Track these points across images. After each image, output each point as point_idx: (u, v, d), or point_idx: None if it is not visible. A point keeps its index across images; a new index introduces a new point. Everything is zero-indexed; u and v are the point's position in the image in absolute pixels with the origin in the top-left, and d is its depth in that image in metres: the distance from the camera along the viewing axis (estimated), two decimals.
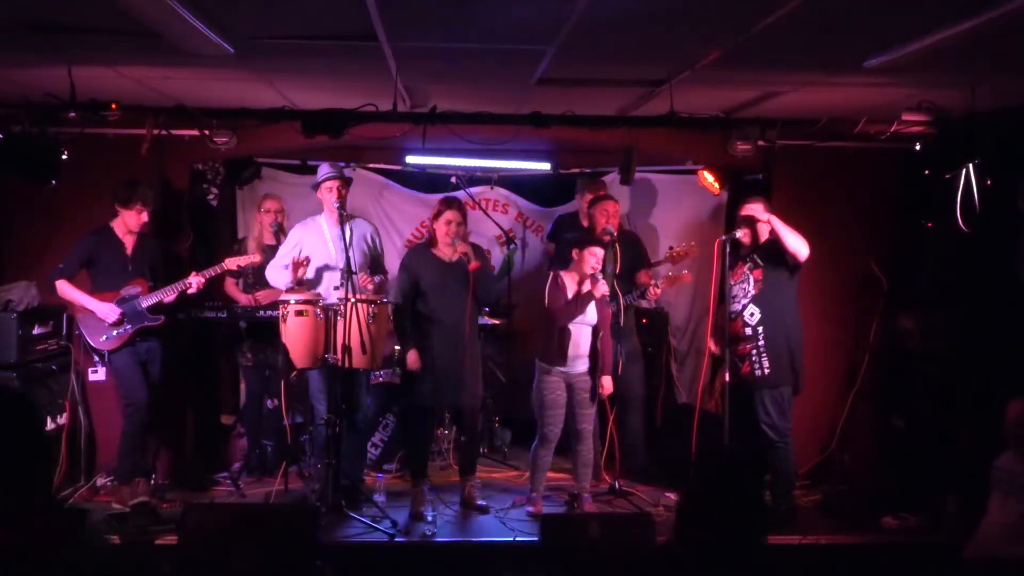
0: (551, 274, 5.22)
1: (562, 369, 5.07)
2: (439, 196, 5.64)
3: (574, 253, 5.11)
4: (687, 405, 6.36)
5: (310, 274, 5.28)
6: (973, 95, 4.46)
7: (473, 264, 5.01)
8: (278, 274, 5.30)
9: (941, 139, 4.84)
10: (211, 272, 5.36)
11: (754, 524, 2.42)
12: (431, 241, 5.19)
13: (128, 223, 5.29)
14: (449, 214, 5.10)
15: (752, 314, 5.06)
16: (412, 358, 5.07)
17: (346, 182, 5.36)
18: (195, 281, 5.25)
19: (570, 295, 5.07)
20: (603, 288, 5.03)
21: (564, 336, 5.04)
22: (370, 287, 5.15)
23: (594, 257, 5.05)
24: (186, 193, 5.98)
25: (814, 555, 4.75)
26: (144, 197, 5.26)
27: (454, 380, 5.10)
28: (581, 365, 5.10)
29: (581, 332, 5.07)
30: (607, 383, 5.13)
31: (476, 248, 5.25)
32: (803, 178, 5.95)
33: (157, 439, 5.64)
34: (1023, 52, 3.75)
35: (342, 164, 5.69)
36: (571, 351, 5.05)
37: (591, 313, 5.06)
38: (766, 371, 5.04)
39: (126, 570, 4.53)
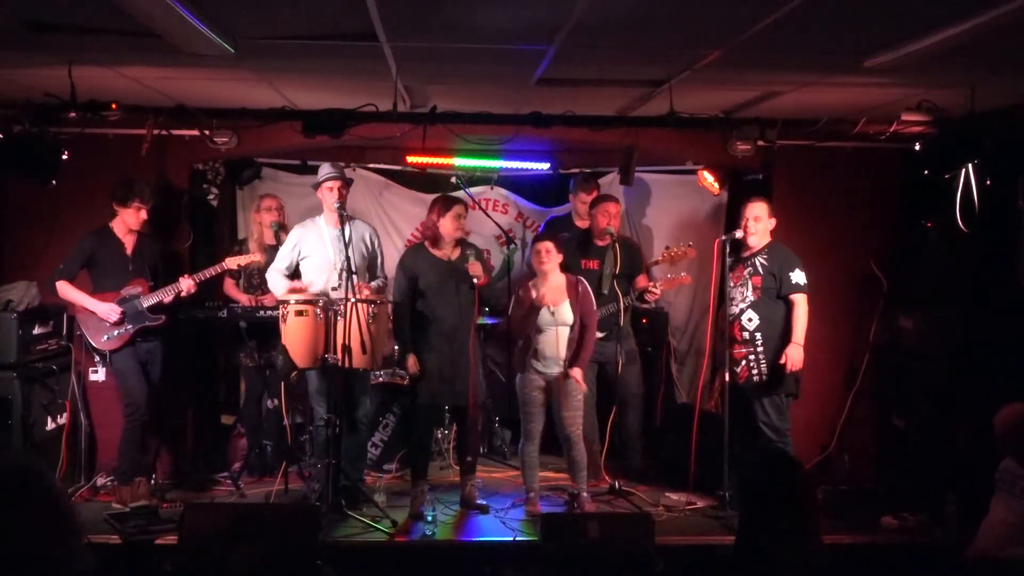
0: (518, 286, 5.27)
1: (539, 368, 5.07)
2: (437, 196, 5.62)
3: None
4: (687, 405, 6.36)
5: (309, 275, 5.27)
6: (973, 95, 4.46)
7: (483, 280, 5.07)
8: (277, 280, 5.29)
9: (941, 139, 4.84)
10: (206, 274, 5.36)
11: (814, 526, 2.42)
12: (433, 240, 5.17)
13: (128, 222, 5.28)
14: (459, 208, 5.11)
15: (750, 319, 5.06)
16: (411, 363, 5.07)
17: (347, 182, 5.36)
18: (185, 285, 5.25)
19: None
20: (541, 298, 4.98)
21: (526, 346, 5.06)
22: (366, 292, 5.12)
23: (537, 254, 5.07)
24: (186, 193, 5.99)
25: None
26: (142, 194, 5.26)
27: (455, 379, 5.10)
28: (559, 367, 5.09)
29: (556, 334, 5.04)
30: (575, 374, 5.04)
31: (474, 248, 5.27)
32: (803, 178, 5.96)
33: (157, 439, 5.65)
34: (1023, 52, 3.75)
35: (342, 164, 5.69)
36: (547, 352, 5.05)
37: (564, 314, 5.04)
38: (764, 377, 5.04)
39: (126, 570, 4.54)
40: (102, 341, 5.20)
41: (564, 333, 5.07)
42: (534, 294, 5.05)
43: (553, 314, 5.02)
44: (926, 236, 5.77)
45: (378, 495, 5.21)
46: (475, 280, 5.08)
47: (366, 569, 4.60)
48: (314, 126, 4.98)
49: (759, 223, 5.10)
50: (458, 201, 5.19)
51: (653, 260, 6.03)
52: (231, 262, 5.44)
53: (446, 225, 5.09)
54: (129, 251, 5.33)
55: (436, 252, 5.16)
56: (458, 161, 6.50)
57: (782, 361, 4.97)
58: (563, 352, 5.06)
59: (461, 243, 5.25)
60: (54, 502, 1.80)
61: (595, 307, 5.23)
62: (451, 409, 5.45)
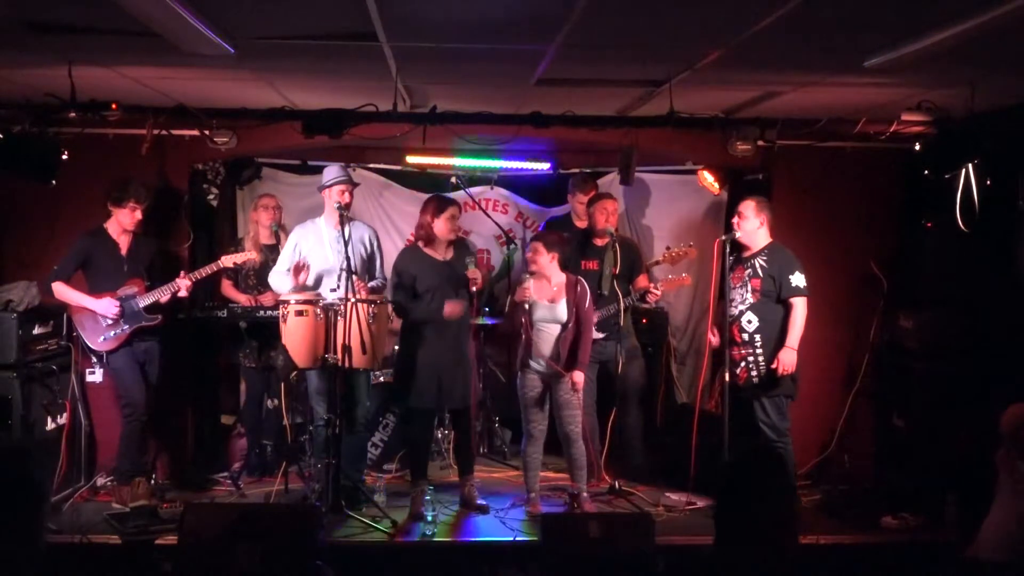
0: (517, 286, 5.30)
1: (536, 367, 5.08)
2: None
3: None
4: (687, 405, 6.36)
5: (309, 278, 5.26)
6: (973, 95, 4.45)
7: (479, 284, 5.10)
8: (280, 279, 5.28)
9: (941, 139, 4.84)
10: (202, 273, 5.36)
11: (790, 524, 2.41)
12: (427, 240, 5.16)
13: (123, 222, 5.28)
14: (453, 209, 5.11)
15: (750, 321, 5.05)
16: (450, 307, 5.01)
17: (354, 186, 5.34)
18: (183, 283, 5.25)
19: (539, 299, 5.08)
20: (524, 293, 5.01)
21: (526, 346, 5.06)
22: (364, 293, 5.09)
23: (527, 254, 5.12)
24: (186, 193, 5.98)
25: (814, 555, 4.75)
26: (137, 195, 5.25)
27: (454, 383, 5.10)
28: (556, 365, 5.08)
29: (551, 331, 5.04)
30: (576, 378, 5.02)
31: (468, 249, 5.28)
32: (803, 178, 5.96)
33: (157, 439, 5.65)
34: (1023, 52, 3.75)
35: (343, 164, 5.68)
36: (543, 350, 5.05)
37: (559, 312, 5.04)
38: (764, 379, 5.03)
39: (126, 570, 4.54)
40: (98, 342, 5.20)
41: (558, 330, 5.07)
42: (526, 292, 5.06)
43: (550, 312, 5.02)
44: (926, 236, 5.77)
45: (378, 495, 5.21)
46: (473, 286, 5.09)
47: (366, 569, 4.61)
48: (314, 126, 4.97)
49: (744, 220, 5.09)
50: (452, 202, 5.17)
51: (654, 260, 6.03)
52: (227, 260, 5.43)
53: (440, 227, 5.09)
54: (124, 252, 5.33)
55: (431, 253, 5.16)
56: (458, 161, 6.50)
57: (773, 365, 4.96)
58: (559, 350, 5.04)
59: (456, 243, 5.24)
60: (37, 486, 1.81)
61: (593, 308, 5.22)
62: (450, 412, 5.45)
